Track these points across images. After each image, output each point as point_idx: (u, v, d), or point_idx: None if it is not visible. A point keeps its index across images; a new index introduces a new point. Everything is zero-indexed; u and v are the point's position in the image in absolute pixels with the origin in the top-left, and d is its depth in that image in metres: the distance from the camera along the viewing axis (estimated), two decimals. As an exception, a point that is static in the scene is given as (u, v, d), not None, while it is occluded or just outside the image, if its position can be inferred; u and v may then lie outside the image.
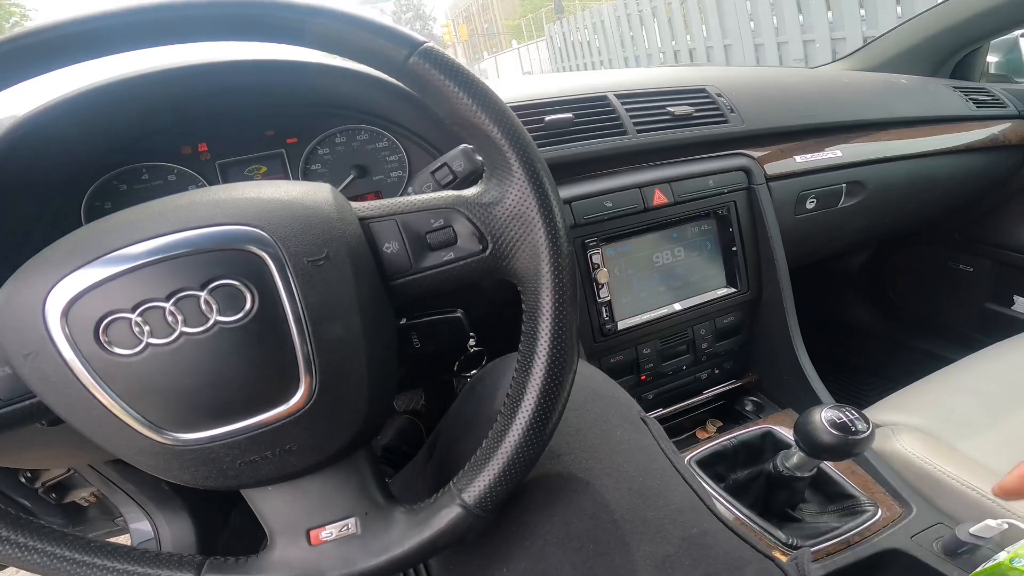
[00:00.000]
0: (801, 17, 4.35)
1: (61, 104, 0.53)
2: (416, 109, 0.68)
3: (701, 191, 0.81)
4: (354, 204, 0.38)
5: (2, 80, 0.33)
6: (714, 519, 0.43)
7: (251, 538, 1.13)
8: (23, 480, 0.93)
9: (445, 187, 0.49)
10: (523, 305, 0.40)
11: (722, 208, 0.84)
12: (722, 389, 0.94)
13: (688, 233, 0.84)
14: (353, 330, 0.35)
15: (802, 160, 0.91)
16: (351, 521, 0.38)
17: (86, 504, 1.07)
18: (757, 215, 0.85)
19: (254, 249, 0.32)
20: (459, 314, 0.65)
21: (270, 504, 0.38)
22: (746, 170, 0.84)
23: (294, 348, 0.33)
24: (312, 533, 0.37)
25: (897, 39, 1.26)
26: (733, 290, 0.88)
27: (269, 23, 0.35)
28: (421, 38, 0.37)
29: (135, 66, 0.57)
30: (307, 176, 0.72)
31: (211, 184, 0.68)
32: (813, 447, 0.57)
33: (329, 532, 0.37)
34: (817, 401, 0.84)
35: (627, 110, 0.79)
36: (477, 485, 0.37)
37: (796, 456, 0.63)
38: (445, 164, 0.51)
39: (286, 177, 0.71)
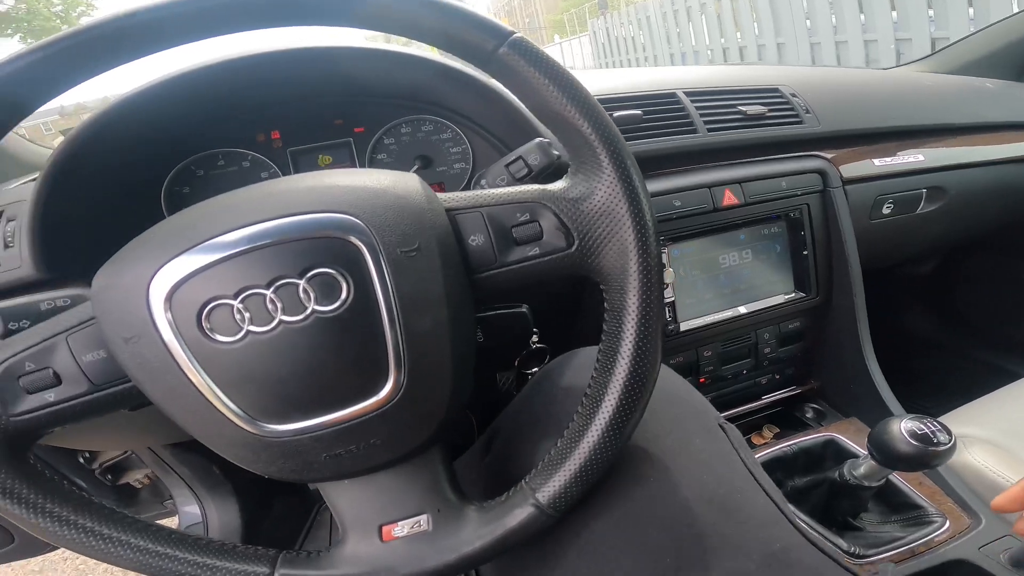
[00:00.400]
0: (863, 16, 4.19)
1: (146, 91, 0.55)
2: (483, 101, 0.68)
3: (773, 193, 0.79)
4: (440, 195, 0.38)
5: (82, 71, 0.33)
6: (796, 533, 0.42)
7: (293, 524, 1.17)
8: (81, 461, 0.97)
9: (519, 180, 0.50)
10: (606, 303, 0.40)
11: (794, 211, 0.82)
12: (782, 395, 0.93)
13: (757, 235, 0.82)
14: (441, 323, 0.35)
15: (880, 164, 0.88)
16: (423, 518, 0.38)
17: (139, 486, 1.12)
18: (831, 219, 0.83)
19: (351, 238, 0.33)
20: (524, 309, 0.65)
21: (345, 498, 0.38)
22: (821, 172, 0.82)
23: (385, 340, 0.33)
24: (384, 529, 0.38)
25: (978, 43, 1.20)
26: (801, 295, 0.86)
27: (355, 8, 0.36)
28: (510, 28, 0.37)
29: (211, 55, 0.59)
30: (373, 165, 0.73)
31: (283, 172, 0.70)
32: (889, 457, 0.56)
33: (401, 528, 0.38)
34: (885, 411, 0.82)
35: (697, 108, 0.78)
36: (552, 485, 0.37)
37: (866, 465, 0.62)
38: (520, 157, 0.51)
39: (353, 166, 0.73)
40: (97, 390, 0.35)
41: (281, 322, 0.32)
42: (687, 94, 0.79)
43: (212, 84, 0.60)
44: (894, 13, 3.95)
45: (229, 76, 0.61)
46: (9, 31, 10.46)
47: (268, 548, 0.38)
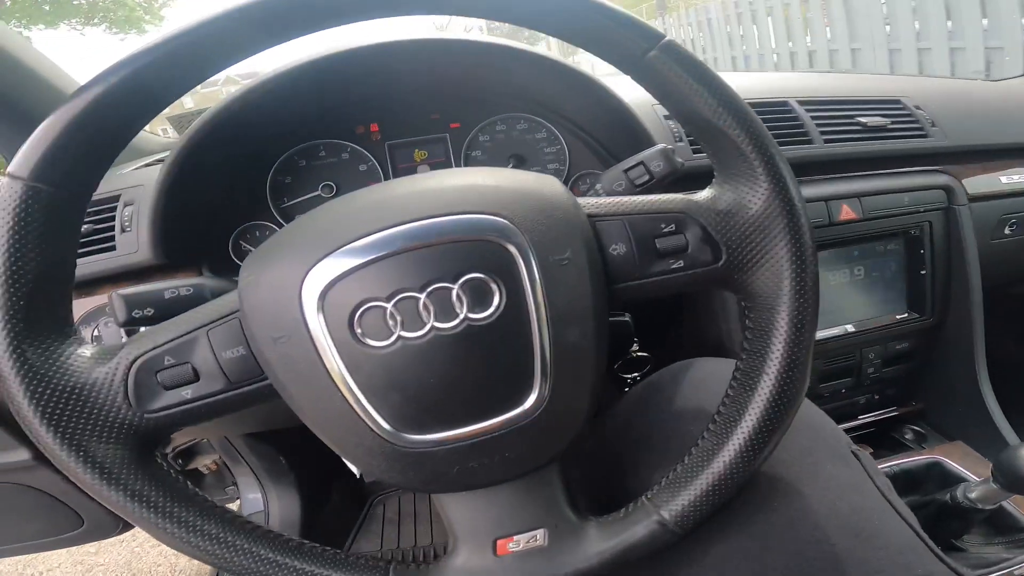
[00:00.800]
0: (950, 23, 3.97)
1: (265, 83, 0.56)
2: (590, 100, 0.66)
3: (893, 208, 0.75)
4: (581, 201, 0.37)
5: (264, 39, 0.32)
6: (937, 560, 0.40)
7: (347, 517, 1.18)
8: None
9: (639, 187, 0.48)
10: (750, 320, 0.38)
11: (914, 228, 0.78)
12: (881, 416, 0.90)
13: (871, 252, 0.79)
14: (587, 336, 0.33)
15: (1008, 181, 0.82)
16: (539, 532, 0.37)
17: (205, 472, 1.15)
18: (954, 238, 0.79)
19: (504, 243, 0.31)
20: (627, 318, 0.63)
21: (460, 509, 0.37)
22: (947, 189, 0.78)
23: (533, 351, 0.32)
24: (499, 543, 0.37)
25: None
26: (915, 315, 0.83)
27: (509, 3, 0.34)
28: (661, 31, 0.35)
29: (316, 48, 0.59)
30: (467, 162, 0.73)
31: (380, 164, 0.70)
32: (1016, 482, 0.56)
33: (516, 543, 0.37)
34: (996, 436, 0.80)
35: (812, 118, 0.75)
36: (678, 502, 0.36)
37: (983, 489, 0.62)
38: (642, 163, 0.49)
39: (448, 162, 0.72)
40: (232, 388, 0.34)
41: (433, 328, 0.31)
42: (801, 103, 0.76)
43: (319, 77, 0.61)
44: (985, 20, 3.73)
45: (335, 69, 0.61)
46: (96, 20, 11.07)
47: (379, 559, 0.37)
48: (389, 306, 0.30)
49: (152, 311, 0.38)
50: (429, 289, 0.31)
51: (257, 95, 0.56)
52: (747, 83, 0.82)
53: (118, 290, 0.38)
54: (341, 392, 0.31)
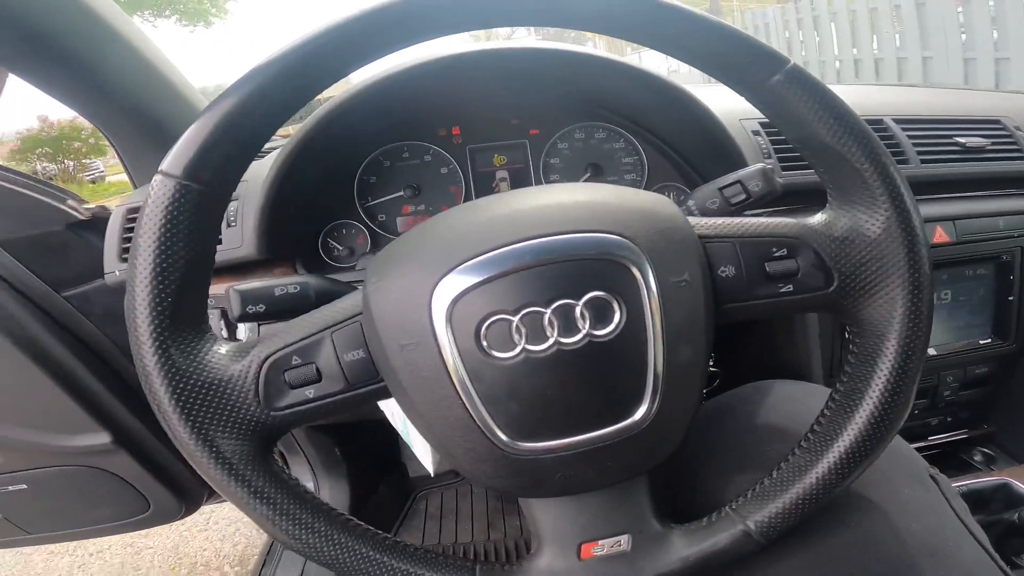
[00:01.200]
0: (1033, 31, 3.78)
1: (369, 87, 0.59)
2: (680, 115, 0.67)
3: (988, 232, 0.73)
4: (692, 220, 0.37)
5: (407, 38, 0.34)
6: None
7: (391, 509, 1.21)
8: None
9: (735, 206, 0.48)
10: (855, 344, 0.38)
11: (1006, 253, 0.76)
12: (952, 438, 0.90)
13: (960, 276, 0.78)
14: (698, 355, 0.34)
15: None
16: (624, 538, 0.38)
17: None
18: None
19: (627, 263, 0.32)
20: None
21: (548, 513, 0.38)
22: None
23: (647, 368, 0.33)
24: (584, 547, 0.38)
25: None
26: (998, 341, 0.81)
27: (622, 20, 0.35)
28: (786, 56, 0.36)
29: (404, 57, 0.62)
30: (545, 169, 0.74)
31: (461, 167, 0.72)
32: None
33: (601, 548, 0.38)
34: None
35: (909, 137, 0.73)
36: (765, 513, 0.37)
37: None
38: (739, 182, 0.49)
39: (526, 168, 0.74)
40: (350, 390, 0.35)
41: (557, 342, 0.32)
42: (896, 121, 0.75)
43: (409, 83, 0.63)
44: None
45: (425, 75, 0.63)
46: (168, 12, 11.67)
47: (466, 558, 0.38)
48: (516, 319, 0.32)
49: (263, 307, 0.40)
50: (555, 305, 0.32)
51: (356, 101, 0.59)
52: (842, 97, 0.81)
53: (235, 285, 0.40)
54: (461, 399, 0.32)
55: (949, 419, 0.88)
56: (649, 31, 0.36)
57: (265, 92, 0.32)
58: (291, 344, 0.35)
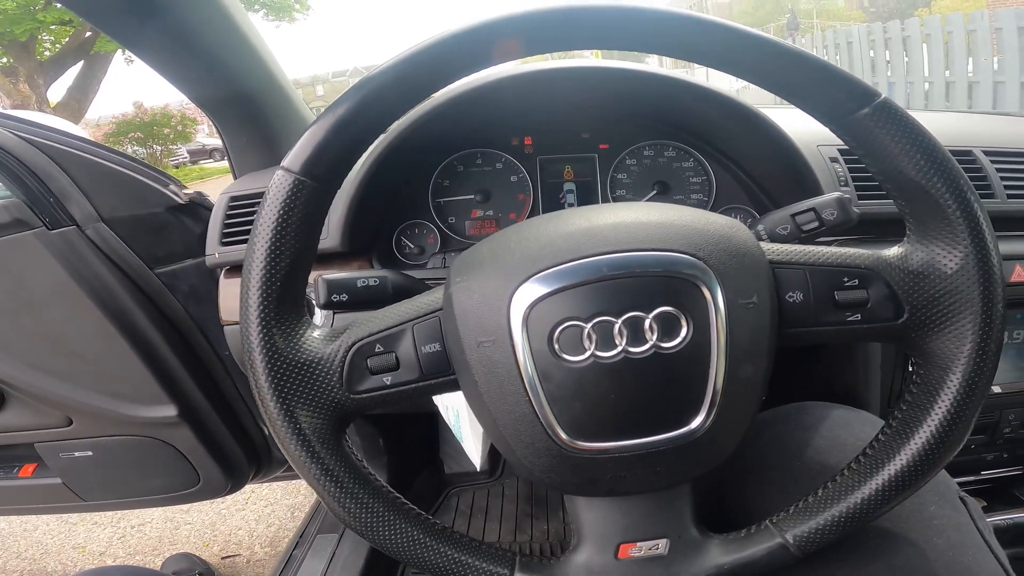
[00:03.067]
0: None
1: (446, 101, 0.65)
2: (756, 138, 0.69)
3: None
4: (763, 246, 0.40)
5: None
6: None
7: (424, 504, 1.27)
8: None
9: (807, 233, 0.50)
10: (918, 376, 0.40)
11: None
12: (1005, 473, 0.90)
13: None
14: (758, 373, 0.37)
15: None
16: (662, 542, 0.40)
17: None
18: None
19: (698, 282, 0.35)
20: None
21: (592, 512, 0.41)
22: None
23: (707, 381, 0.36)
24: (622, 547, 0.40)
25: None
26: None
27: (708, 48, 0.38)
28: (877, 90, 0.37)
29: (495, 69, 0.67)
30: (612, 183, 0.78)
31: (530, 177, 0.78)
32: None
33: (639, 549, 0.40)
34: None
35: (998, 170, 0.73)
36: (806, 528, 0.40)
37: None
38: (813, 209, 0.50)
39: (594, 182, 0.79)
40: (423, 380, 0.39)
41: (624, 351, 0.35)
42: (987, 153, 0.75)
43: (489, 94, 0.68)
44: None
45: (506, 88, 0.68)
46: (256, 6, 12.49)
47: (507, 550, 0.41)
48: (588, 327, 0.35)
49: (346, 297, 0.45)
50: (625, 316, 0.35)
51: (440, 109, 0.64)
52: (930, 126, 0.81)
53: (322, 274, 0.45)
54: (529, 397, 0.35)
55: (1006, 455, 0.88)
56: (736, 60, 0.38)
57: (374, 100, 0.36)
58: (377, 332, 0.39)
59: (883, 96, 0.37)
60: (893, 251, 0.40)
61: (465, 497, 1.33)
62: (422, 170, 0.76)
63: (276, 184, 0.36)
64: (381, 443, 1.16)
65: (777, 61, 0.37)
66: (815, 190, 0.66)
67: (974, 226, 0.37)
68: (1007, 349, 0.78)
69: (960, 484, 0.87)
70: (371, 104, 0.37)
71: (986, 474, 0.89)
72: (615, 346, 0.35)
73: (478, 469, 0.76)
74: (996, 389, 0.78)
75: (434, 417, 0.72)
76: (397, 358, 0.38)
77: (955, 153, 0.74)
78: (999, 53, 4.92)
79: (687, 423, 0.36)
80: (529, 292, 0.35)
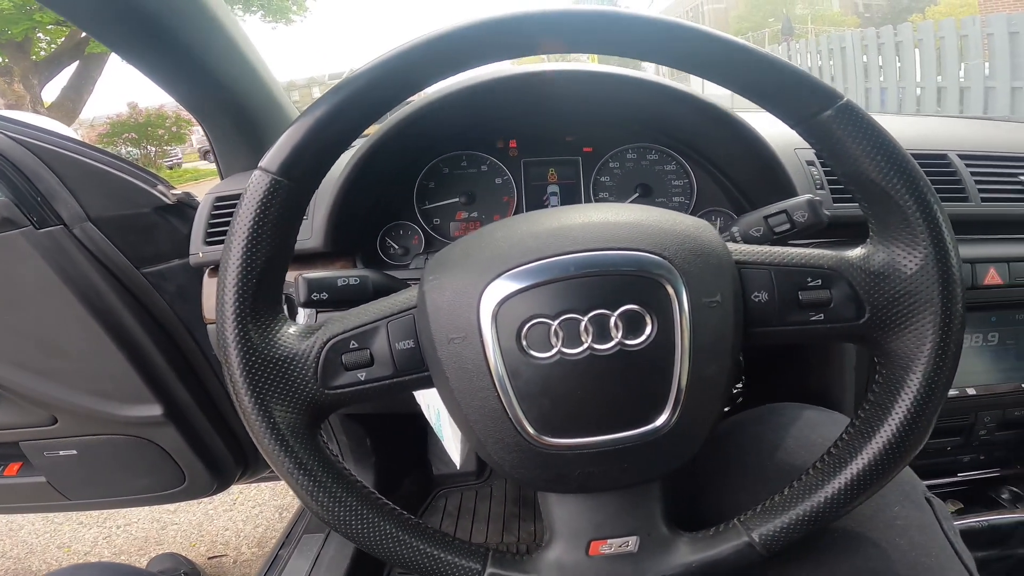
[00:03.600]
0: None
1: (434, 101, 0.66)
2: (735, 142, 0.71)
3: None
4: (730, 246, 0.40)
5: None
6: None
7: (411, 505, 1.28)
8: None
9: (779, 235, 0.51)
10: (879, 375, 0.41)
11: None
12: (982, 475, 0.91)
13: (1009, 319, 0.78)
14: (722, 371, 0.38)
15: None
16: (632, 539, 0.41)
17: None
18: None
19: (663, 281, 0.36)
20: (740, 357, 0.67)
21: (563, 509, 0.42)
22: None
23: (671, 379, 0.37)
24: (593, 544, 0.41)
25: None
26: None
27: (674, 47, 0.39)
28: (840, 92, 0.38)
29: (480, 71, 0.68)
30: (596, 186, 0.80)
31: (515, 179, 0.79)
32: None
33: (609, 546, 0.41)
34: None
35: (972, 174, 0.75)
36: (772, 526, 0.40)
37: None
38: (785, 212, 0.51)
39: (577, 184, 0.80)
40: (397, 376, 0.40)
41: (590, 348, 0.36)
42: (961, 157, 0.76)
43: (475, 97, 0.69)
44: None
45: (491, 91, 0.69)
46: (254, 7, 12.55)
47: (481, 545, 0.42)
48: (555, 324, 0.36)
49: (326, 295, 0.45)
50: (592, 313, 0.36)
51: (425, 111, 0.66)
52: (906, 130, 0.82)
53: (303, 273, 0.46)
54: (498, 392, 0.36)
55: (982, 457, 0.89)
56: (700, 62, 0.39)
57: (352, 102, 0.37)
58: (351, 329, 0.40)
59: (845, 98, 0.38)
60: (856, 252, 0.41)
61: (453, 498, 1.34)
62: (407, 171, 0.77)
63: (254, 184, 0.37)
64: (369, 444, 1.17)
65: (744, 64, 0.38)
66: (790, 193, 0.67)
67: (934, 228, 0.38)
68: (982, 352, 0.79)
69: (937, 486, 0.91)
70: (348, 107, 0.38)
71: (962, 476, 0.90)
72: (581, 343, 0.36)
73: (458, 467, 0.77)
74: (971, 391, 0.79)
75: (422, 418, 0.73)
76: (371, 354, 0.39)
77: (930, 156, 0.76)
78: (990, 58, 4.98)
79: (652, 420, 0.37)
80: (499, 289, 0.36)
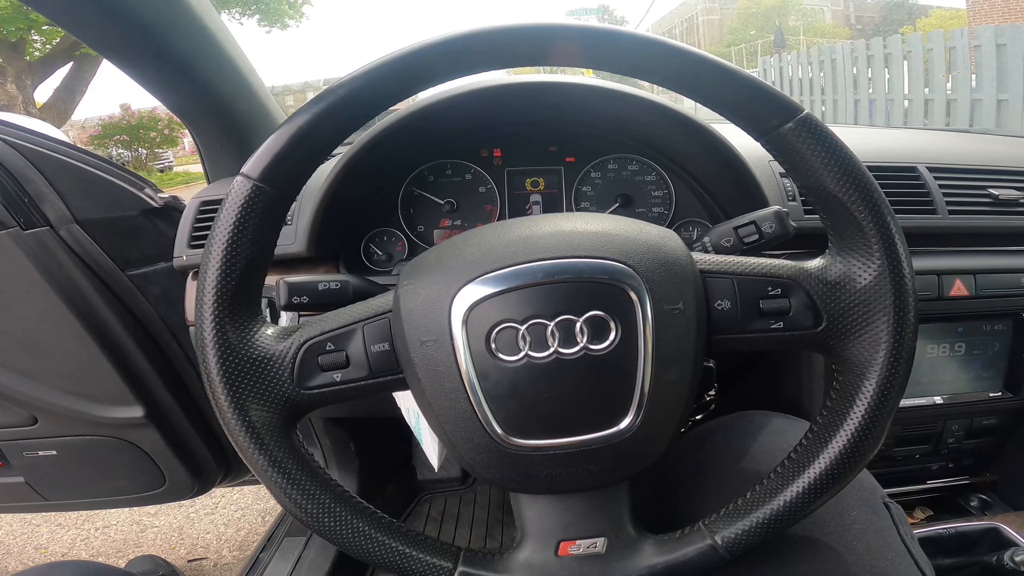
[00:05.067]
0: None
1: (420, 109, 0.67)
2: (710, 155, 0.73)
3: (1010, 289, 0.76)
4: (695, 255, 0.42)
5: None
6: None
7: (395, 510, 1.29)
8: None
9: (748, 245, 0.53)
10: (837, 381, 0.43)
11: None
12: (951, 483, 0.94)
13: (976, 330, 0.81)
14: (684, 376, 0.40)
15: None
16: (600, 540, 0.43)
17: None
18: None
19: (627, 289, 0.38)
20: (711, 364, 0.70)
21: (534, 510, 0.44)
22: None
23: (634, 383, 0.38)
24: (562, 544, 0.42)
25: None
26: (1009, 395, 0.85)
27: (640, 61, 0.41)
28: (800, 105, 0.40)
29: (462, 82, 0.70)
30: (577, 196, 0.82)
31: (498, 187, 0.81)
32: None
33: (577, 547, 0.42)
34: None
35: (941, 187, 0.77)
36: (734, 529, 0.42)
37: None
38: (753, 223, 0.53)
39: (559, 193, 0.82)
40: (372, 378, 0.41)
41: (556, 352, 0.37)
42: (930, 170, 0.78)
43: (460, 106, 0.71)
44: None
45: (476, 101, 0.71)
46: (252, 10, 12.57)
47: (452, 544, 0.43)
48: (522, 328, 0.37)
49: (307, 299, 0.47)
50: (558, 319, 0.37)
51: (410, 119, 0.68)
52: (878, 142, 0.85)
53: (284, 277, 0.48)
54: (467, 394, 0.38)
55: (951, 465, 0.92)
56: (665, 74, 0.41)
57: (334, 111, 0.39)
58: (328, 332, 0.41)
59: (805, 111, 0.40)
60: (814, 263, 0.43)
61: (437, 503, 1.36)
62: (392, 178, 0.79)
63: (235, 189, 0.39)
64: (352, 449, 1.18)
65: (708, 77, 0.40)
66: (763, 204, 0.69)
67: (887, 240, 0.40)
68: (949, 362, 0.82)
69: (907, 493, 0.94)
70: (330, 116, 0.39)
71: (932, 483, 0.92)
72: (548, 347, 0.37)
73: (436, 470, 0.78)
74: (939, 400, 0.82)
75: (405, 424, 0.75)
76: (347, 356, 0.41)
77: (899, 169, 0.79)
78: (976, 70, 5.07)
79: (616, 423, 0.39)
80: (469, 294, 0.38)
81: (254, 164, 0.39)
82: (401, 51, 0.39)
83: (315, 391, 0.41)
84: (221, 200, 0.40)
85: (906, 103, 5.97)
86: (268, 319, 0.44)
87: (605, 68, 0.42)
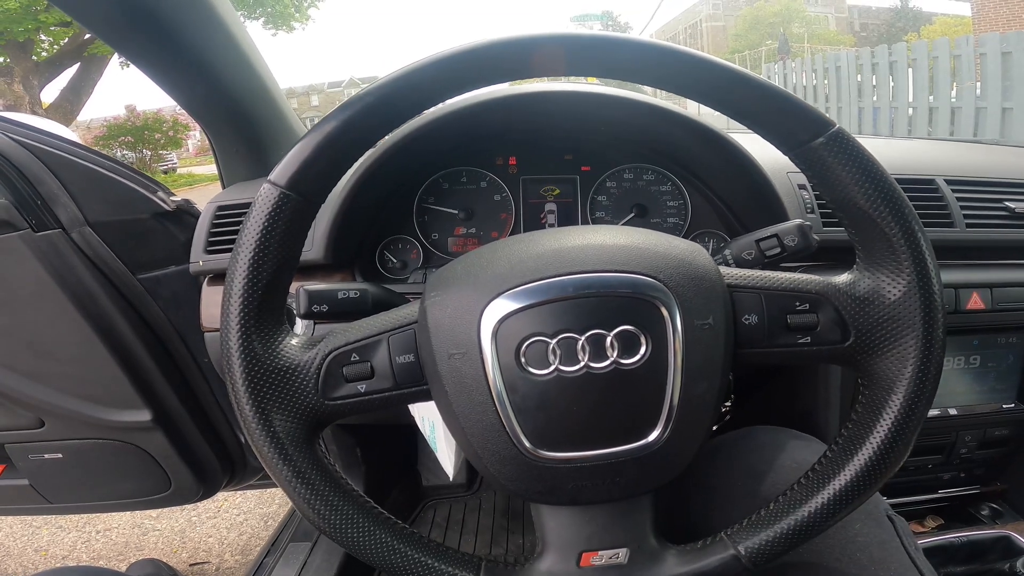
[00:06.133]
0: None
1: (438, 118, 0.67)
2: (721, 163, 0.73)
3: None
4: (723, 270, 0.42)
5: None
6: None
7: (401, 513, 1.28)
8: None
9: (770, 258, 0.53)
10: (863, 395, 0.43)
11: None
12: (962, 492, 0.94)
13: (991, 343, 0.81)
14: (712, 390, 0.40)
15: None
16: (622, 551, 0.43)
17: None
18: None
19: (658, 304, 0.38)
20: (729, 377, 0.69)
21: (555, 520, 0.43)
22: None
23: (664, 397, 0.38)
24: (584, 555, 0.43)
25: None
26: (1022, 406, 0.85)
27: (671, 75, 0.40)
28: (831, 119, 0.40)
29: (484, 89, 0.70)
30: (592, 205, 0.82)
31: (513, 195, 0.81)
32: None
33: (599, 558, 0.42)
34: None
35: (958, 199, 0.77)
36: (758, 540, 0.41)
37: None
38: (776, 236, 0.53)
39: (574, 202, 0.82)
40: (397, 389, 0.41)
41: (586, 366, 0.37)
42: (948, 183, 0.78)
43: (477, 114, 0.71)
44: None
45: (493, 109, 0.71)
46: (258, 13, 12.63)
47: (473, 555, 0.43)
48: (553, 342, 0.37)
49: (327, 307, 0.47)
50: (588, 333, 0.37)
51: (428, 128, 0.67)
52: (896, 154, 0.85)
53: (304, 285, 0.47)
54: (496, 407, 0.38)
55: (962, 475, 0.92)
56: (695, 87, 0.41)
57: (360, 119, 0.39)
58: (353, 342, 0.41)
59: (837, 126, 0.40)
60: (842, 278, 0.43)
61: (442, 509, 1.35)
62: (408, 186, 0.79)
63: (262, 197, 0.38)
64: (359, 453, 1.17)
65: (740, 90, 0.40)
66: (781, 216, 0.69)
67: (917, 256, 0.40)
68: (964, 374, 0.82)
69: (918, 502, 0.93)
70: (357, 123, 0.39)
71: (943, 492, 0.93)
72: (578, 361, 0.37)
73: (451, 480, 0.78)
74: (952, 411, 0.83)
75: (412, 429, 0.74)
76: (372, 367, 0.41)
77: (918, 181, 0.79)
78: (981, 78, 5.06)
79: (644, 436, 0.39)
80: (499, 308, 0.38)
81: (281, 171, 0.38)
82: (436, 56, 0.39)
83: (339, 402, 0.41)
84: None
85: (910, 111, 5.97)
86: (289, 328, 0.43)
87: (631, 79, 0.42)
